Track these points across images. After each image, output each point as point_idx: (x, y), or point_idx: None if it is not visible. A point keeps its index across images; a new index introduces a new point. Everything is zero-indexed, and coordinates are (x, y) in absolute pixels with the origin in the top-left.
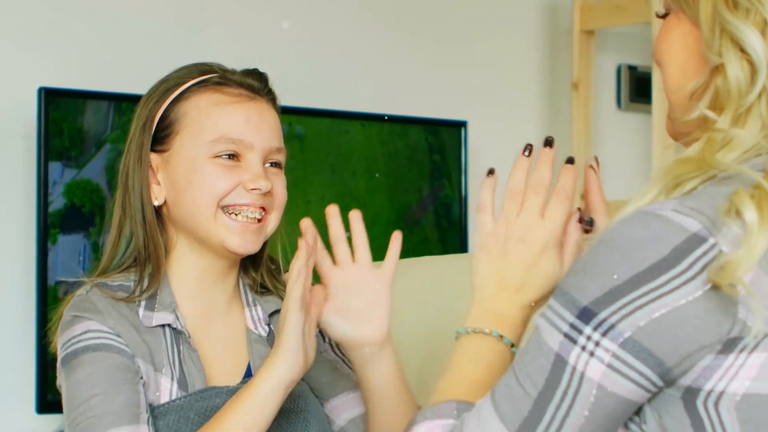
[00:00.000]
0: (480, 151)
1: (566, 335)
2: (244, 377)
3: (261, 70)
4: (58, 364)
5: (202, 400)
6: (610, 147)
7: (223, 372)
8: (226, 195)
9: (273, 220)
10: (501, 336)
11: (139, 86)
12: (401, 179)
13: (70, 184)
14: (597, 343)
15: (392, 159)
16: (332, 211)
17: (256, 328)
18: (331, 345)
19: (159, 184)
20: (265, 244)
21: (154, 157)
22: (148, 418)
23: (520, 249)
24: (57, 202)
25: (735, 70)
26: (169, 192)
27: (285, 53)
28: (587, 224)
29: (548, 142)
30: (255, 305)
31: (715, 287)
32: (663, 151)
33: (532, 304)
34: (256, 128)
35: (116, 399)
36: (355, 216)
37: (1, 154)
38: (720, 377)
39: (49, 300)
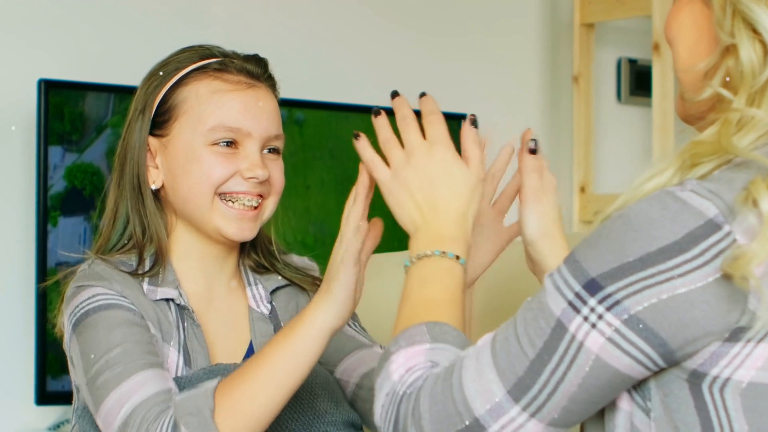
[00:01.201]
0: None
1: (570, 303)
2: (245, 356)
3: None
4: (67, 334)
5: (210, 374)
6: (610, 140)
7: (225, 350)
8: (223, 183)
9: (270, 206)
10: (443, 252)
11: (139, 78)
12: None
13: (70, 167)
14: (600, 316)
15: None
16: (427, 98)
17: (258, 307)
18: None
19: (157, 168)
20: (261, 228)
21: (153, 141)
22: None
23: (420, 165)
24: (57, 185)
25: (747, 50)
26: (167, 177)
27: (285, 46)
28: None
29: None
30: (256, 284)
31: (727, 276)
32: (663, 144)
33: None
34: (254, 116)
35: (136, 348)
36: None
37: (2, 144)
38: (726, 364)
39: (49, 284)
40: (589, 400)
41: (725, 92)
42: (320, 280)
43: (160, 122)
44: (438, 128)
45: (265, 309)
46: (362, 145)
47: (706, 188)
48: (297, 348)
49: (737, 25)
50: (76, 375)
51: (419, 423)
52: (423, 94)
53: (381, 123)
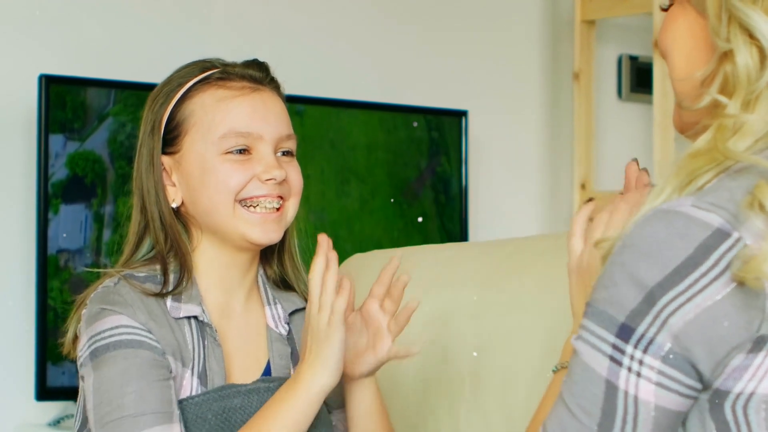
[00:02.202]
0: (480, 142)
1: (611, 358)
2: (263, 374)
3: (262, 58)
4: (83, 358)
5: (220, 400)
6: (611, 137)
7: (242, 368)
8: (241, 189)
9: (291, 207)
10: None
11: (140, 74)
12: (400, 154)
13: (72, 155)
14: (641, 362)
15: (391, 135)
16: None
17: (276, 327)
18: None
19: (174, 185)
20: (286, 235)
21: (166, 160)
22: (179, 414)
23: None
24: (59, 173)
25: (744, 56)
26: (185, 192)
27: (286, 42)
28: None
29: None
30: (275, 303)
31: (741, 283)
32: (664, 141)
33: None
34: (263, 118)
35: (150, 397)
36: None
37: (3, 139)
38: (750, 378)
39: (49, 269)
40: None
41: (723, 99)
42: None
43: (170, 139)
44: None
45: (283, 330)
46: (584, 210)
47: (706, 201)
48: (296, 413)
49: (733, 31)
50: (87, 402)
51: None
52: (644, 170)
53: (622, 203)
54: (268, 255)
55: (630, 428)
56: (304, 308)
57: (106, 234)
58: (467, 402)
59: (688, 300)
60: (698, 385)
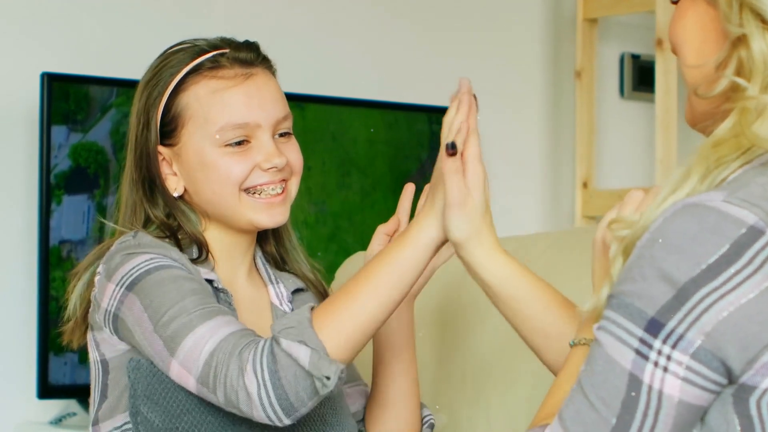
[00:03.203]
0: (482, 140)
1: (637, 351)
2: None
3: None
4: (116, 299)
5: None
6: (613, 136)
7: None
8: (244, 180)
9: (294, 186)
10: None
11: (141, 71)
12: (401, 146)
13: (75, 145)
14: (669, 357)
15: (392, 128)
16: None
17: (281, 305)
18: None
19: (176, 174)
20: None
21: (165, 151)
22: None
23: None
24: (62, 164)
25: (759, 42)
26: (188, 182)
27: (288, 40)
28: (450, 148)
29: None
30: (277, 282)
31: None
32: (666, 139)
33: None
34: (258, 105)
35: (208, 300)
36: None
37: (6, 134)
38: None
39: (52, 260)
40: None
41: (742, 81)
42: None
43: (167, 132)
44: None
45: (287, 308)
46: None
47: (738, 197)
48: (402, 263)
49: (746, 17)
50: (136, 333)
51: None
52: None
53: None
54: (266, 233)
55: (650, 422)
56: (304, 289)
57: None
58: (469, 401)
59: (722, 297)
60: (724, 381)
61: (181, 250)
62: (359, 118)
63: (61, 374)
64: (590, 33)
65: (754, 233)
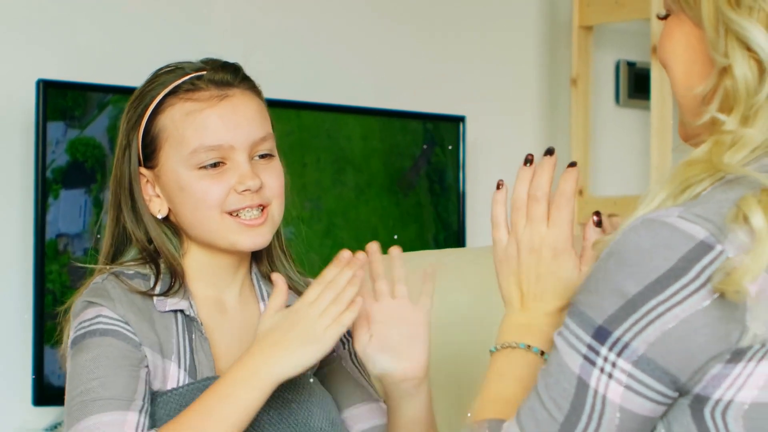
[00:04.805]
0: (478, 147)
1: (585, 357)
2: None
3: (260, 63)
4: (68, 348)
5: (203, 389)
6: (608, 143)
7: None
8: (222, 203)
9: (276, 210)
10: (528, 346)
11: (138, 78)
12: (396, 144)
13: (73, 140)
14: (614, 364)
15: (386, 128)
16: (373, 248)
17: None
18: (349, 353)
19: (159, 196)
20: (277, 233)
21: (147, 173)
22: (144, 406)
23: (532, 258)
24: (60, 159)
25: (743, 69)
26: (170, 203)
27: (284, 47)
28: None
29: (549, 152)
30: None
31: (722, 295)
32: (661, 147)
33: (558, 311)
34: (233, 127)
35: (112, 386)
36: (395, 252)
37: (2, 134)
38: (728, 386)
39: (49, 253)
40: None
41: (722, 116)
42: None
43: (148, 153)
44: (564, 214)
45: None
46: (497, 199)
47: (693, 213)
48: (249, 405)
49: (731, 44)
50: (66, 387)
51: None
52: (572, 164)
53: (522, 176)
54: (260, 252)
55: (594, 425)
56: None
57: (105, 219)
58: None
59: (668, 310)
60: (670, 392)
61: (157, 278)
62: (354, 115)
63: (56, 380)
64: (586, 40)
65: (703, 248)
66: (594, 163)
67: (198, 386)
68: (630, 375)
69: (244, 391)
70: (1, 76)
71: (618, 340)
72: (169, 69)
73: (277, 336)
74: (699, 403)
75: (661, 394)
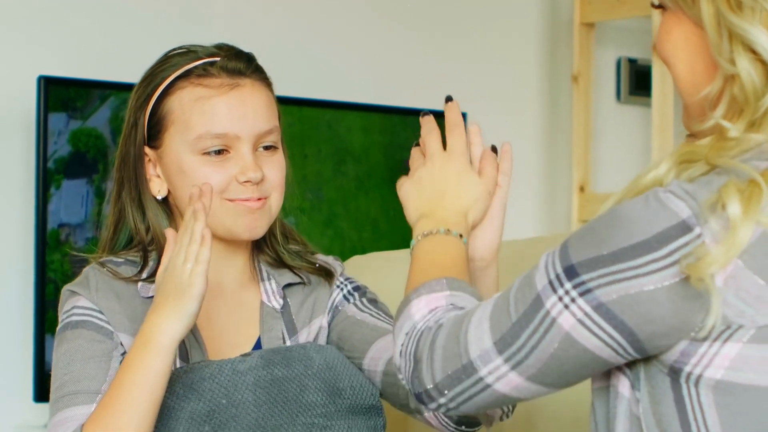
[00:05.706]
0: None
1: (550, 282)
2: (252, 349)
3: (259, 61)
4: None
5: (189, 372)
6: (610, 140)
7: (230, 344)
8: (223, 190)
9: (275, 202)
10: (448, 230)
11: (139, 75)
12: (396, 137)
13: (75, 131)
14: (573, 300)
15: (386, 123)
16: (451, 105)
17: (269, 301)
18: (356, 305)
19: (159, 177)
20: (274, 223)
21: (151, 152)
22: None
23: (445, 169)
24: (62, 149)
25: (749, 74)
26: (170, 185)
27: (285, 45)
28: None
29: (448, 98)
30: (269, 279)
31: (688, 278)
32: (662, 144)
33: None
34: (240, 117)
35: (81, 379)
36: (474, 129)
37: (3, 128)
38: (696, 363)
39: (50, 242)
40: (562, 368)
41: (727, 124)
42: (324, 270)
43: (152, 134)
44: (458, 140)
45: (277, 304)
46: (431, 127)
47: (684, 189)
48: (151, 364)
49: (736, 49)
50: None
51: (432, 356)
52: (449, 99)
53: (426, 128)
54: (261, 239)
55: (537, 337)
56: (298, 283)
57: (107, 209)
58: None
59: (634, 278)
60: (626, 344)
61: (144, 264)
62: (355, 108)
63: None
64: (587, 37)
65: (683, 228)
66: (595, 160)
67: (181, 370)
68: (586, 314)
69: (149, 357)
70: (3, 73)
71: (583, 283)
72: (182, 51)
73: (159, 296)
74: (675, 373)
75: (613, 339)
